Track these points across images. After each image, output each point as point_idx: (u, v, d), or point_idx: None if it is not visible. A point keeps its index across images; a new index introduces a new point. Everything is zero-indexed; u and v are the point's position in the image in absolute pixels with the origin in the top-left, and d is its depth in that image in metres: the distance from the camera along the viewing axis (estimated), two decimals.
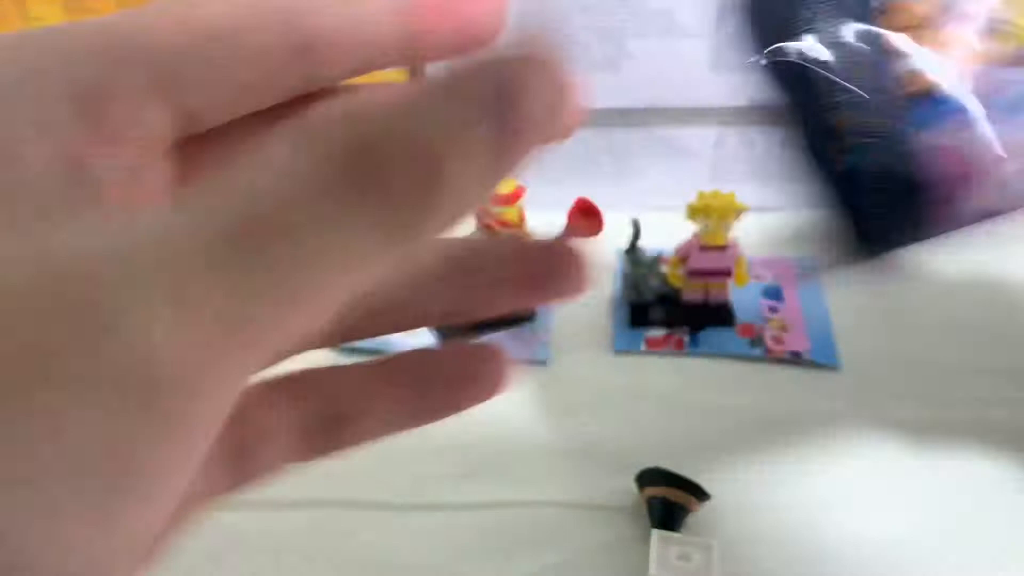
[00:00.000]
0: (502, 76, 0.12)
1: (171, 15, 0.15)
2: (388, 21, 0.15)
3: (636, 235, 0.53)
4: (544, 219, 0.52)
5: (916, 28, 0.37)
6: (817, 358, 0.51)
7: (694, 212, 0.50)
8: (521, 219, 0.49)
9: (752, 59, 0.38)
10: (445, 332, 0.51)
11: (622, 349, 0.52)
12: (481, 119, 0.12)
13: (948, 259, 0.58)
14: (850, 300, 0.55)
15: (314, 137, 0.12)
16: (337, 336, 0.17)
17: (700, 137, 0.59)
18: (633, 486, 0.44)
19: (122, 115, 0.14)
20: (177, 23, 0.15)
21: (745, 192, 0.58)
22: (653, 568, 0.40)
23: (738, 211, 0.49)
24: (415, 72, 0.48)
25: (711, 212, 0.49)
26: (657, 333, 0.53)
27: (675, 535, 0.41)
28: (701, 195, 0.49)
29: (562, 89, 0.13)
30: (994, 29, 0.37)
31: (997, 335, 0.53)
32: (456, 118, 0.12)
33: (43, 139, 0.13)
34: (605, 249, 0.57)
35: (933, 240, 0.39)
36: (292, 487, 0.43)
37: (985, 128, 0.36)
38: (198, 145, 0.15)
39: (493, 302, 0.18)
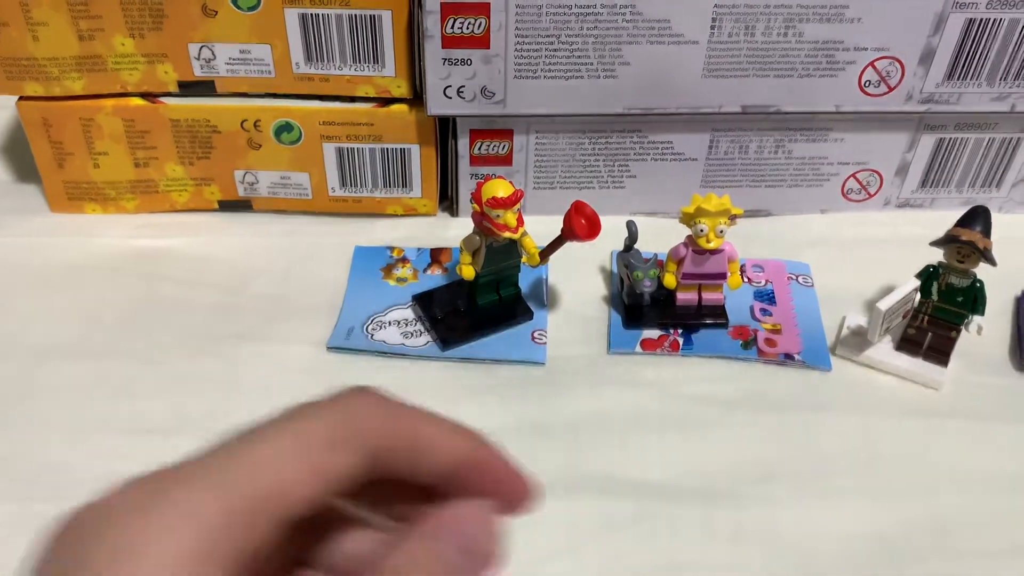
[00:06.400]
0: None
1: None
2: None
3: (632, 238, 0.54)
4: (542, 222, 0.53)
5: None
6: (809, 360, 0.52)
7: (688, 216, 0.50)
8: (519, 223, 0.50)
9: None
10: (446, 338, 0.52)
11: (617, 350, 0.53)
12: None
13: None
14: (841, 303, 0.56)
15: None
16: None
17: (694, 142, 0.59)
18: None
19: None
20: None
21: (738, 196, 0.58)
22: None
23: (731, 215, 0.50)
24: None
25: (705, 216, 0.50)
26: (652, 334, 0.54)
27: None
28: (695, 199, 0.50)
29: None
30: None
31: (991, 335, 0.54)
32: None
33: None
34: (601, 251, 0.58)
35: None
36: None
37: None
38: None
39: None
